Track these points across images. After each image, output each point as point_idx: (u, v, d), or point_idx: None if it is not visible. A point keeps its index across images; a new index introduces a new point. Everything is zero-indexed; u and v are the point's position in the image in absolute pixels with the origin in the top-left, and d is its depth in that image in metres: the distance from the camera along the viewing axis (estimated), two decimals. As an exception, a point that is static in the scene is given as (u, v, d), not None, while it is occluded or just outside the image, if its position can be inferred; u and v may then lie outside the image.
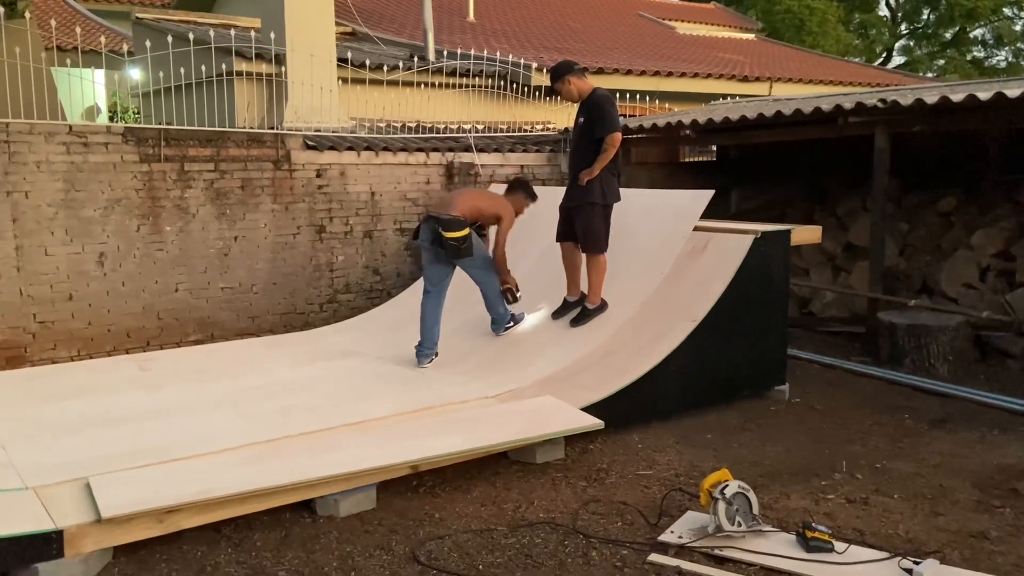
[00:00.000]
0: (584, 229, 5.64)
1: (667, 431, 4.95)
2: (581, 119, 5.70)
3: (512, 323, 5.93)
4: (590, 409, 4.60)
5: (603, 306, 5.69)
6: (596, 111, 5.56)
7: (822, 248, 7.89)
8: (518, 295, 5.92)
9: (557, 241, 5.90)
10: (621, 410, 4.78)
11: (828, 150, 8.61)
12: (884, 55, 29.58)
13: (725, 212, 8.87)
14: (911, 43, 30.35)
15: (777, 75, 13.47)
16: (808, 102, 7.26)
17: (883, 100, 6.43)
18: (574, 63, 5.84)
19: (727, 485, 3.57)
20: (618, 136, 5.49)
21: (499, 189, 7.83)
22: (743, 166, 9.75)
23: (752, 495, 3.60)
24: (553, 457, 4.47)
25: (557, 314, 5.87)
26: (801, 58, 17.11)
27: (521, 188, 6.11)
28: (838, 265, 8.03)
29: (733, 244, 5.41)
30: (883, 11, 30.03)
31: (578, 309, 5.76)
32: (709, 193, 5.85)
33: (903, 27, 30.22)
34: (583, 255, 5.77)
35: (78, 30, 6.85)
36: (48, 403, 4.75)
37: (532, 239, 6.55)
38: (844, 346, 7.05)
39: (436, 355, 5.64)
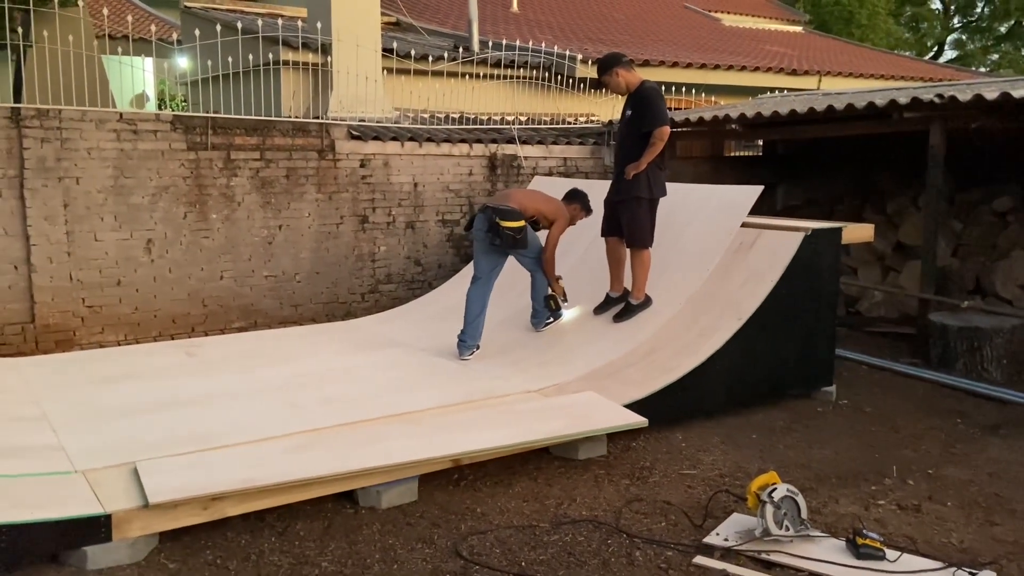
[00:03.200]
0: (629, 224, 5.57)
1: (711, 430, 4.87)
2: (628, 112, 5.62)
3: (552, 320, 5.88)
4: (634, 406, 4.54)
5: (647, 302, 5.61)
6: (644, 104, 5.47)
7: (871, 246, 7.70)
8: (563, 304, 5.87)
9: (602, 236, 5.83)
10: (665, 408, 4.71)
11: (879, 146, 8.40)
12: (935, 49, 28.85)
13: (771, 208, 8.72)
14: (964, 37, 29.55)
15: (826, 69, 13.20)
16: (860, 96, 7.09)
17: (940, 95, 6.24)
18: (622, 55, 5.75)
19: (775, 488, 3.49)
20: (666, 130, 5.40)
21: (543, 182, 7.83)
22: (790, 161, 9.56)
23: (801, 499, 3.51)
24: (595, 454, 4.42)
25: (599, 309, 5.81)
26: (850, 51, 16.75)
27: (579, 199, 6.00)
28: (888, 264, 7.85)
29: (783, 241, 5.29)
30: (935, 4, 29.28)
31: (622, 304, 5.70)
32: (758, 189, 5.73)
33: (956, 20, 29.42)
34: (627, 250, 5.69)
35: (129, 18, 6.95)
36: (97, 387, 4.83)
37: (576, 234, 6.46)
38: (893, 347, 6.88)
39: (478, 348, 5.62)
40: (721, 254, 5.57)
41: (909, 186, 8.03)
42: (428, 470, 3.95)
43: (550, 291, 5.83)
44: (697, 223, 5.88)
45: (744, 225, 5.63)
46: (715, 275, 5.48)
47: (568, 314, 5.93)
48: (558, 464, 4.34)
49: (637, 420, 4.37)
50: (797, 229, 5.33)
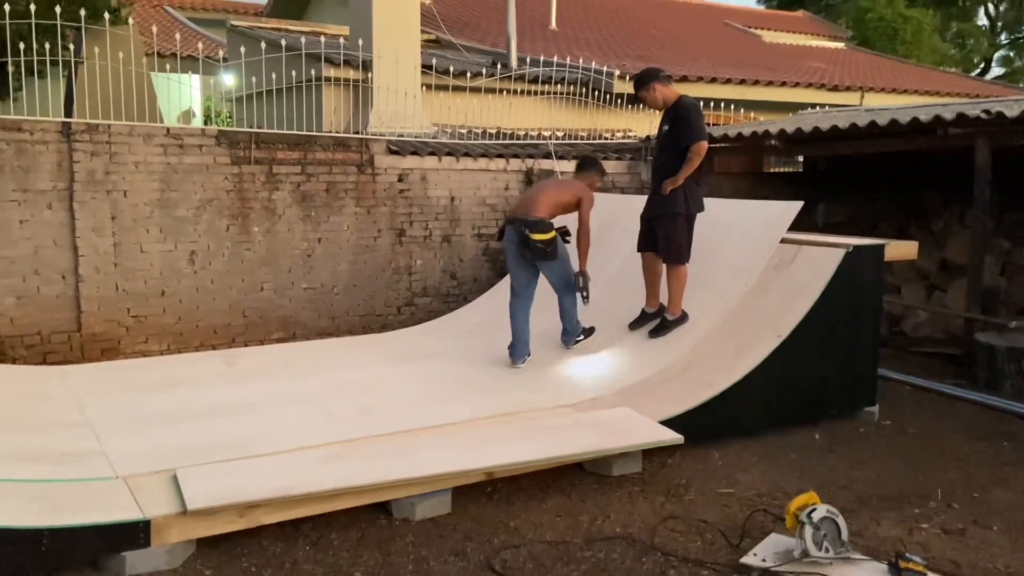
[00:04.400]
0: (666, 239, 5.54)
1: (749, 449, 4.79)
2: (665, 127, 5.60)
3: (583, 337, 5.85)
4: (670, 422, 4.50)
5: (683, 317, 5.57)
6: (682, 119, 5.45)
7: (916, 265, 7.55)
8: (589, 288, 5.75)
9: (638, 251, 5.80)
10: (701, 425, 4.65)
11: (924, 163, 8.25)
12: (982, 66, 28.31)
13: (812, 225, 8.59)
14: (1011, 53, 28.96)
15: (868, 84, 13.02)
16: (904, 112, 6.97)
17: (987, 111, 6.11)
18: (660, 70, 5.75)
19: (815, 509, 3.42)
20: (704, 145, 5.37)
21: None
22: (832, 177, 9.43)
23: (841, 520, 3.44)
24: (630, 470, 4.38)
25: (635, 325, 5.77)
26: (894, 67, 16.51)
27: (590, 166, 6.01)
28: (933, 283, 7.69)
29: (823, 257, 5.21)
30: (982, 20, 28.76)
31: (657, 320, 5.65)
32: (798, 204, 5.66)
33: (1003, 37, 28.85)
34: (664, 266, 5.66)
35: (177, 36, 7.12)
36: (140, 395, 4.92)
37: (612, 249, 6.47)
38: (938, 368, 6.72)
39: (529, 355, 5.67)
40: (760, 270, 5.51)
41: (955, 203, 7.87)
42: (462, 483, 3.95)
43: (579, 271, 5.74)
44: (735, 238, 5.82)
45: (784, 241, 5.57)
46: (754, 291, 5.41)
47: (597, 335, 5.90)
48: (592, 480, 4.30)
49: (673, 437, 4.32)
50: (838, 246, 5.25)
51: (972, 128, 6.25)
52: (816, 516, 3.39)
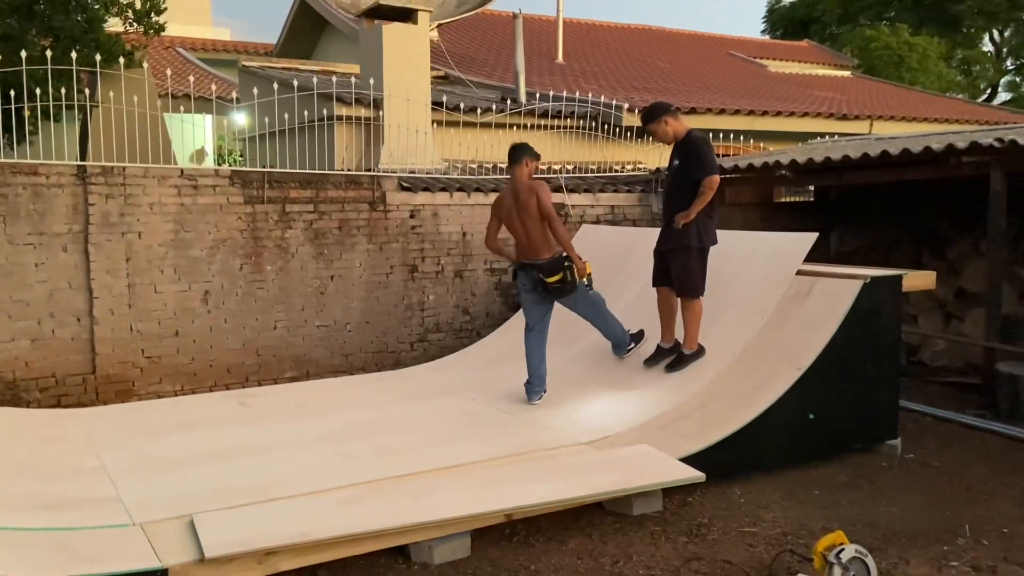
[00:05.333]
0: (680, 273, 5.52)
1: (771, 485, 4.72)
2: (676, 161, 5.60)
3: (634, 344, 5.86)
4: (690, 460, 4.43)
5: (700, 351, 5.52)
6: (692, 153, 5.45)
7: (932, 293, 7.48)
8: (588, 272, 5.62)
9: (653, 286, 5.77)
10: (722, 461, 4.59)
11: (937, 191, 8.22)
12: (988, 92, 28.37)
13: (825, 254, 8.55)
14: (1017, 79, 29.02)
15: (877, 113, 13.05)
16: (916, 141, 6.96)
17: (1000, 139, 6.09)
18: (669, 104, 5.76)
19: (843, 549, 3.35)
20: (716, 179, 5.36)
21: (590, 230, 7.83)
22: (843, 206, 9.41)
23: (870, 560, 3.37)
24: (651, 509, 4.31)
25: (650, 361, 5.73)
26: (901, 95, 16.57)
27: (523, 153, 5.66)
28: (949, 311, 7.62)
29: (840, 289, 5.17)
30: (987, 46, 28.88)
31: (673, 356, 5.61)
32: (813, 236, 5.64)
33: (1008, 62, 28.95)
34: (678, 300, 5.62)
35: (191, 79, 7.21)
36: (155, 438, 4.89)
37: (626, 282, 6.45)
38: (958, 398, 6.64)
39: (545, 391, 5.64)
40: (776, 303, 5.46)
41: (970, 231, 7.83)
42: (480, 525, 3.90)
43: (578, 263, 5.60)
44: (750, 271, 5.79)
45: (799, 273, 5.53)
46: (770, 324, 5.37)
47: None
48: (612, 520, 4.24)
49: (694, 475, 4.26)
50: (855, 277, 5.21)
51: (985, 156, 6.22)
52: (845, 556, 3.32)
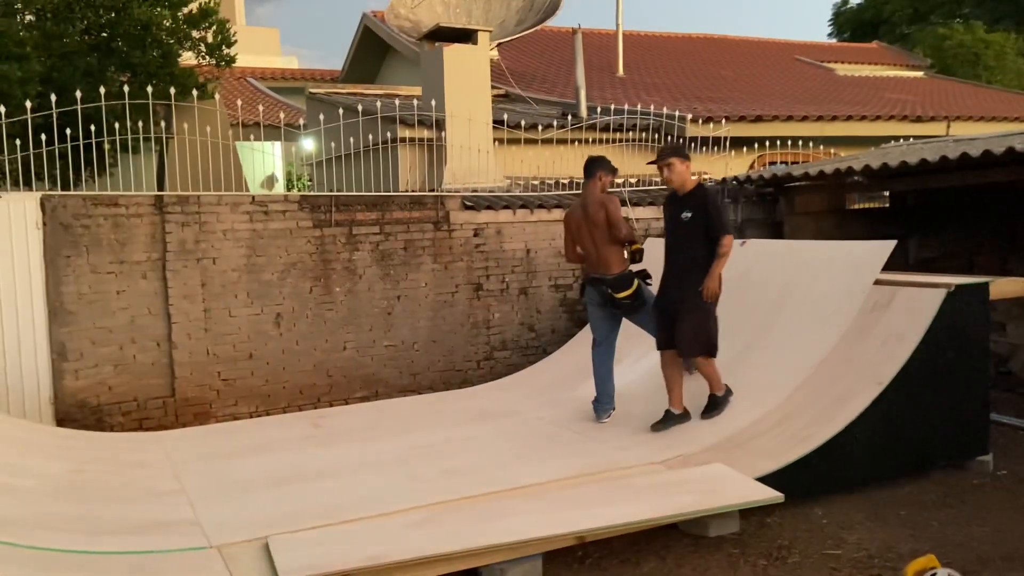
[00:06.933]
0: (696, 331, 5.17)
1: (854, 505, 4.53)
2: (687, 214, 5.26)
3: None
4: (767, 479, 4.30)
5: (729, 393, 5.31)
6: (711, 209, 5.21)
7: (1021, 300, 7.11)
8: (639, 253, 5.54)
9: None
10: (801, 480, 4.43)
11: (1020, 193, 7.84)
12: (1071, 85, 27.04)
13: (903, 262, 8.24)
14: (1104, 70, 27.59)
15: (954, 113, 12.55)
16: (998, 141, 6.65)
17: (1091, 136, 5.78)
18: (684, 147, 5.54)
19: (935, 573, 3.19)
20: (732, 239, 5.22)
21: (656, 243, 7.71)
22: (921, 212, 9.06)
23: (966, 586, 3.18)
24: (727, 530, 4.18)
25: (659, 426, 5.24)
26: (979, 94, 15.91)
27: (597, 166, 5.60)
28: (1040, 319, 7.23)
29: (923, 299, 4.95)
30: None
31: (684, 421, 5.28)
32: (891, 243, 5.43)
33: (1092, 54, 27.55)
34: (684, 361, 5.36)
35: (260, 108, 7.41)
36: (231, 460, 5.00)
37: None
38: (1053, 410, 6.29)
39: (614, 409, 5.55)
40: (853, 314, 5.28)
41: (1059, 234, 7.43)
42: (552, 547, 3.83)
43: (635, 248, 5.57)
44: (825, 282, 5.61)
45: (878, 282, 5.33)
46: (848, 337, 5.18)
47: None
48: (687, 542, 4.12)
49: (772, 495, 4.12)
50: (938, 285, 4.99)
51: (1075, 155, 5.90)
52: (937, 582, 3.15)
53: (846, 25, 27.80)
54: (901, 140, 10.31)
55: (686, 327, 5.19)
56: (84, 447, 5.22)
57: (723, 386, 5.33)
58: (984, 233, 8.28)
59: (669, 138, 9.58)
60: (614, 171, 5.68)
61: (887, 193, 9.79)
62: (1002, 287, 5.16)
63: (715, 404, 5.31)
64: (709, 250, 5.17)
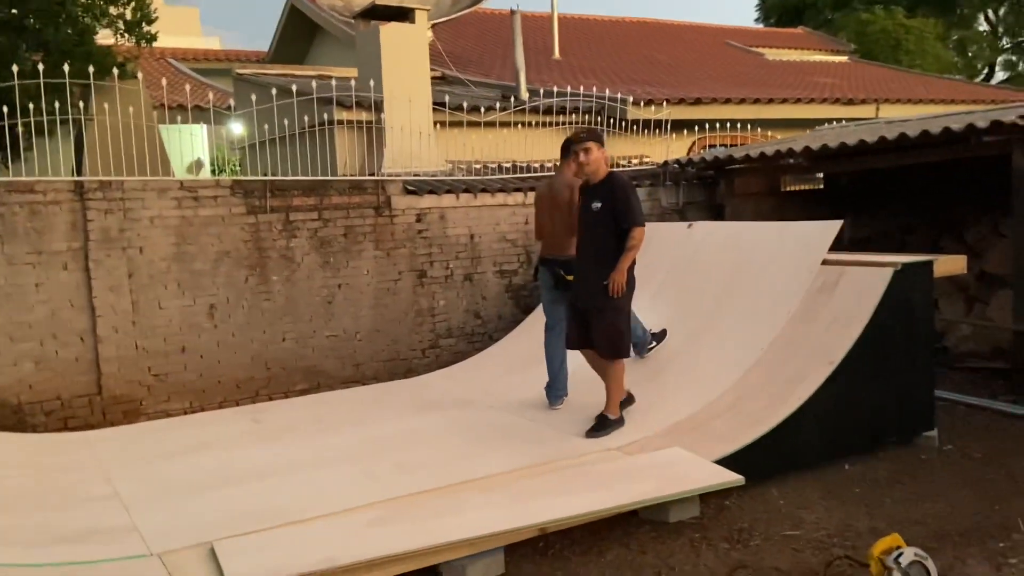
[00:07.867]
0: (608, 332, 4.89)
1: (809, 484, 4.54)
2: (597, 204, 4.90)
3: (655, 343, 5.68)
4: (724, 461, 4.27)
5: (621, 420, 4.95)
6: (621, 198, 4.84)
7: (952, 277, 7.30)
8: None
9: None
10: (757, 461, 4.41)
11: (950, 173, 8.04)
12: (986, 71, 28.20)
13: (838, 242, 8.37)
14: (1014, 57, 28.85)
15: (883, 96, 12.87)
16: (934, 122, 6.79)
17: (1022, 116, 5.92)
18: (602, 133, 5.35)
19: (901, 552, 3.18)
20: (643, 231, 4.85)
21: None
22: (855, 193, 9.23)
23: (931, 563, 3.20)
24: (688, 515, 4.13)
25: (591, 433, 4.91)
26: (901, 78, 16.38)
27: (567, 151, 5.41)
28: (972, 295, 7.44)
29: (870, 278, 4.99)
30: (982, 26, 28.69)
31: (596, 418, 4.98)
32: (837, 223, 5.48)
33: (1004, 41, 28.78)
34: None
35: (187, 87, 7.02)
36: (167, 460, 4.72)
37: (641, 282, 6.26)
38: (987, 384, 6.47)
39: (567, 395, 5.47)
40: (802, 295, 5.30)
41: (988, 213, 7.64)
42: (513, 540, 3.72)
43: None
44: (773, 264, 5.62)
45: (825, 263, 5.36)
46: (798, 318, 5.20)
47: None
48: (648, 528, 4.06)
49: (733, 478, 4.09)
50: (885, 264, 5.03)
51: (1007, 135, 6.05)
52: (904, 560, 3.16)
53: (772, 11, 28.29)
54: (834, 122, 10.51)
55: (599, 329, 4.91)
56: (4, 450, 4.85)
57: (618, 409, 4.97)
58: (916, 213, 8.48)
59: (612, 121, 9.52)
60: (579, 143, 5.50)
61: (821, 175, 9.96)
62: (945, 265, 5.25)
63: (604, 425, 4.88)
64: (620, 243, 4.83)
